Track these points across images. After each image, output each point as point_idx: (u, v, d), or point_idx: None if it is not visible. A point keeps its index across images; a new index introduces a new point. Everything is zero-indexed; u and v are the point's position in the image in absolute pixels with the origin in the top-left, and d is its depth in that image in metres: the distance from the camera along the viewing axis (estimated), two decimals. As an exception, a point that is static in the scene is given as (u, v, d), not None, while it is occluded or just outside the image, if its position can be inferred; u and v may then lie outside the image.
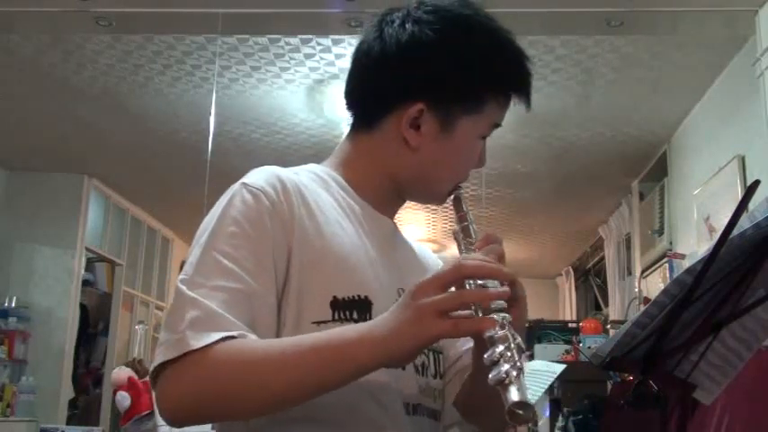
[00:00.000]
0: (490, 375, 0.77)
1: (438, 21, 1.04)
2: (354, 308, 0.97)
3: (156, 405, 0.90)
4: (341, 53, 4.13)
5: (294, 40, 4.02)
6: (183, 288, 0.91)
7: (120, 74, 4.45)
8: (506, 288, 0.85)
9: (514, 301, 0.88)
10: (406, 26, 1.04)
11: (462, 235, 1.01)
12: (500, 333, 0.80)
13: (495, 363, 0.78)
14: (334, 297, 0.96)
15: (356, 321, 0.96)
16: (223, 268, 0.92)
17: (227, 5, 3.47)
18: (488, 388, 0.87)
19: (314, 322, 0.95)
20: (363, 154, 1.09)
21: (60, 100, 4.84)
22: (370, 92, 1.08)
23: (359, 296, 0.98)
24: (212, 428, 1.07)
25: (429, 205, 1.15)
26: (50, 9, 3.50)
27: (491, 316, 0.82)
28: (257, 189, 0.97)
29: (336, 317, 0.96)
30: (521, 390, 0.76)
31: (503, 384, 0.76)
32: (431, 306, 0.82)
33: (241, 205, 0.96)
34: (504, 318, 0.82)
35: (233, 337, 0.87)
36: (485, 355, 0.79)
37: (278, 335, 0.94)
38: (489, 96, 1.05)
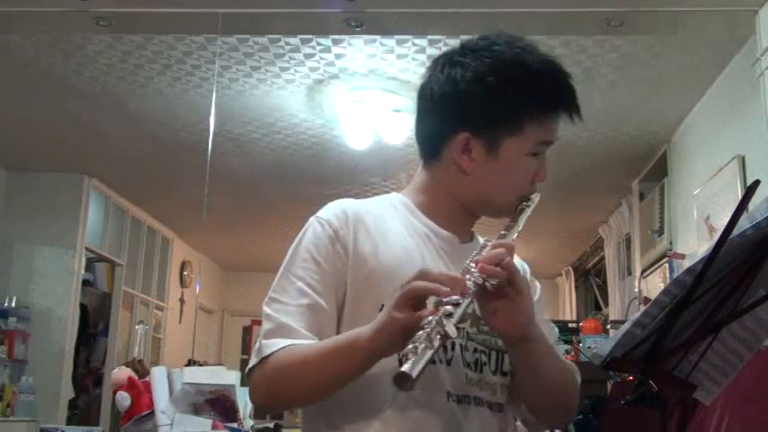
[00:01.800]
0: (402, 350, 0.97)
1: (471, 61, 1.21)
2: None
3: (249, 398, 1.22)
4: (341, 53, 4.13)
5: (294, 40, 4.02)
6: (264, 305, 1.17)
7: (120, 74, 4.45)
8: (436, 285, 1.01)
9: (517, 295, 1.07)
10: (446, 70, 1.23)
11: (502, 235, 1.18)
12: (431, 322, 0.97)
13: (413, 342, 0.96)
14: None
15: None
16: (296, 288, 1.16)
17: (227, 5, 3.47)
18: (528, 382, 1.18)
19: None
20: (431, 181, 1.28)
21: (60, 100, 4.83)
22: (427, 128, 1.28)
23: None
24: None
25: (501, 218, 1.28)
26: (50, 9, 3.49)
27: (428, 310, 1.00)
28: (324, 220, 1.22)
29: None
30: (413, 364, 0.93)
31: (405, 357, 0.95)
32: (394, 303, 1.02)
33: (312, 235, 1.21)
34: (442, 311, 0.98)
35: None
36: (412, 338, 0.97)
37: None
38: (526, 119, 1.19)
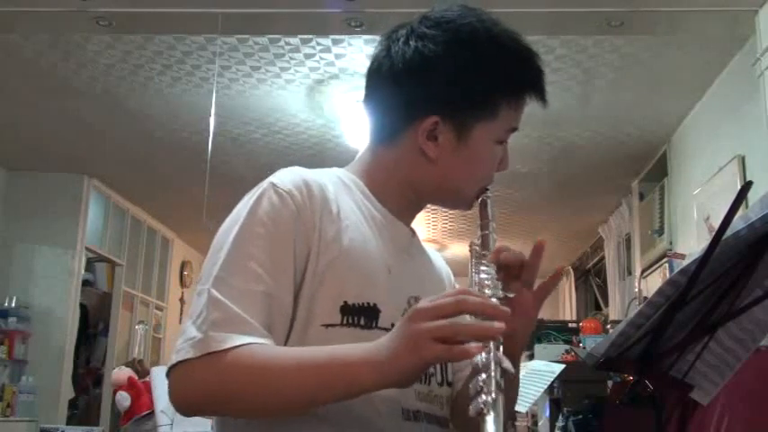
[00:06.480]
0: (470, 406, 0.79)
1: (441, 34, 1.06)
2: (362, 314, 1.00)
3: (170, 396, 0.93)
4: (341, 53, 4.13)
5: (294, 40, 4.02)
6: (210, 286, 0.95)
7: (120, 74, 4.45)
8: (502, 325, 0.84)
9: (530, 310, 0.99)
10: (410, 42, 1.07)
11: (480, 243, 1.03)
12: (484, 359, 0.82)
13: (478, 392, 0.80)
14: (345, 302, 0.99)
15: (363, 327, 1.00)
16: (249, 270, 0.95)
17: (227, 5, 3.47)
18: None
19: (323, 325, 0.98)
20: (384, 166, 1.12)
21: (60, 100, 4.84)
22: (384, 108, 1.11)
23: (368, 303, 1.01)
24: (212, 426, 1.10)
25: (457, 210, 1.17)
26: (50, 9, 3.50)
27: (479, 344, 0.83)
28: (285, 191, 1.00)
29: (345, 321, 0.99)
30: (497, 421, 0.77)
31: (481, 415, 0.78)
32: (427, 332, 0.83)
33: (268, 206, 0.99)
34: (492, 342, 0.84)
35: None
36: (470, 385, 0.82)
37: (288, 334, 0.98)
38: (501, 101, 1.07)
